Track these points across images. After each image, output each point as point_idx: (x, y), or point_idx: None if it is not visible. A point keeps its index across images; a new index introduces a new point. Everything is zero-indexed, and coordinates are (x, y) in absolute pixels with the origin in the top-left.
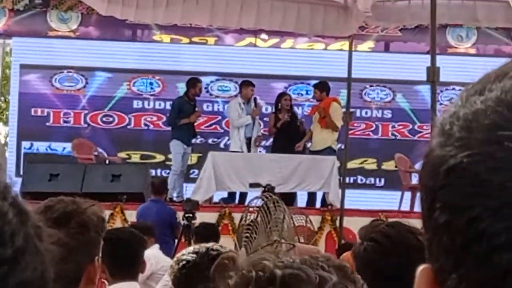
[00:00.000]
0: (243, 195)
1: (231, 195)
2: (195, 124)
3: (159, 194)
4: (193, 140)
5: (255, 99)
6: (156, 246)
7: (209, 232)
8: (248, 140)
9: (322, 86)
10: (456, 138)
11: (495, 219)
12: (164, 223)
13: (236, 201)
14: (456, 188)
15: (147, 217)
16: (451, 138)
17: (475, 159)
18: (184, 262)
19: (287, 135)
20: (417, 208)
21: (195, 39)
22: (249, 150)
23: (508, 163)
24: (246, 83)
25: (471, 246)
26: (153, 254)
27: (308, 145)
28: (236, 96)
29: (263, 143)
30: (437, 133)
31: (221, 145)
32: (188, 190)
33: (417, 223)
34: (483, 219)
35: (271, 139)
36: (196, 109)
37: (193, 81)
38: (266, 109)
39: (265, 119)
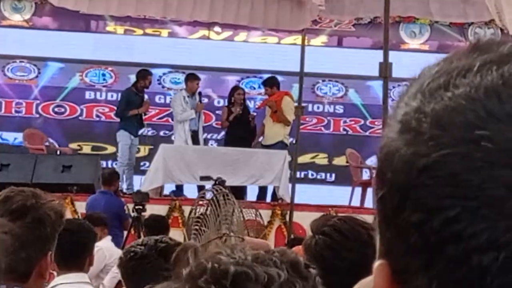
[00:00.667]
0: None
1: (180, 187)
2: (145, 114)
3: (108, 185)
4: (144, 132)
5: (200, 93)
6: (109, 237)
7: (159, 225)
8: (193, 133)
9: (271, 81)
10: (427, 136)
11: (474, 220)
12: (112, 215)
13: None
14: (431, 188)
15: (96, 208)
16: (421, 136)
17: (451, 158)
18: (132, 253)
19: (239, 128)
20: (368, 203)
21: (148, 30)
22: (194, 143)
23: (486, 163)
24: (192, 76)
25: (447, 246)
26: (106, 246)
27: (260, 139)
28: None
29: (213, 135)
30: (400, 130)
31: (172, 138)
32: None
33: (367, 219)
34: (460, 220)
35: (223, 132)
36: (145, 100)
37: (143, 72)
38: (219, 102)
39: (217, 112)
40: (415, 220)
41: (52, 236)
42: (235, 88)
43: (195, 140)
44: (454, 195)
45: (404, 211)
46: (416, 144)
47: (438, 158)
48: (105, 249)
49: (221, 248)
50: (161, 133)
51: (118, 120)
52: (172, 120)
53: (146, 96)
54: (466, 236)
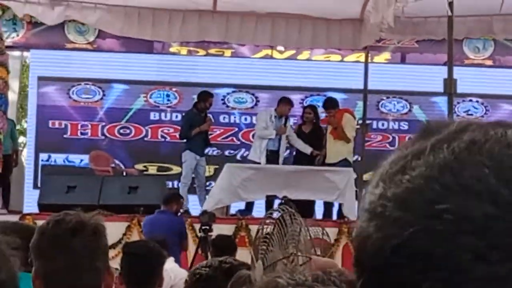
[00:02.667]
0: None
1: (248, 206)
2: (210, 134)
3: (167, 205)
4: (209, 151)
5: (287, 117)
6: (172, 259)
7: (226, 244)
8: (271, 153)
9: (329, 104)
10: (393, 218)
11: None
12: (172, 234)
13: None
14: (405, 265)
15: (155, 228)
16: (387, 220)
17: (418, 235)
18: (198, 275)
19: (312, 147)
20: None
21: (211, 51)
22: (270, 163)
23: (450, 234)
24: (285, 100)
25: None
26: (170, 268)
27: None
28: (253, 107)
29: (286, 152)
30: (368, 218)
31: (238, 157)
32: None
33: None
34: None
35: (293, 152)
36: (208, 118)
37: (204, 94)
38: (287, 121)
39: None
40: None
41: (107, 247)
42: (306, 107)
43: (273, 160)
44: (426, 269)
45: None
46: (385, 228)
47: (406, 237)
48: (170, 271)
49: (281, 272)
50: (226, 153)
51: (183, 140)
52: (237, 139)
53: (209, 116)
54: None
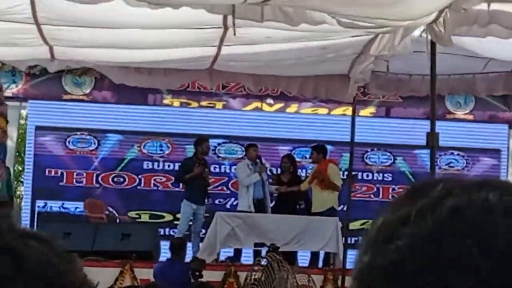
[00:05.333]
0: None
1: (237, 253)
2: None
3: (176, 254)
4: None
5: (259, 157)
6: None
7: None
8: (258, 201)
9: (320, 149)
10: None
11: None
12: (181, 282)
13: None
14: None
15: (167, 275)
16: None
17: None
18: None
19: (289, 196)
20: None
21: (203, 103)
22: (259, 211)
23: None
24: (249, 145)
25: None
26: None
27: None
28: (243, 158)
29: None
30: (358, 286)
31: (228, 206)
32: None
33: None
34: None
35: (274, 201)
36: (202, 165)
37: (198, 139)
38: (271, 171)
39: (268, 180)
40: None
41: None
42: (283, 157)
43: (260, 208)
44: None
45: None
46: None
47: None
48: None
49: None
50: (216, 201)
51: (175, 189)
52: (227, 189)
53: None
54: None
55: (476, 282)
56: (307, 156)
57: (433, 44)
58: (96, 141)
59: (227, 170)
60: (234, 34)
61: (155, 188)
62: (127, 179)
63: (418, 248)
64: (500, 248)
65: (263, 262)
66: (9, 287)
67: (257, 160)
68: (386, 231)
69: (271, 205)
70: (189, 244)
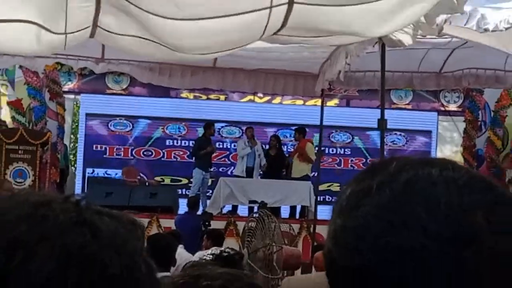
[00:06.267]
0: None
1: (234, 208)
2: (212, 156)
3: (193, 208)
4: (211, 169)
5: (253, 136)
6: (181, 246)
7: (217, 235)
8: (249, 169)
9: (300, 130)
10: (351, 247)
11: None
12: (196, 229)
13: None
14: (356, 285)
15: (186, 225)
16: (347, 247)
17: (369, 262)
18: (204, 260)
19: (275, 165)
20: None
21: (211, 96)
22: (248, 177)
23: (391, 262)
24: (247, 128)
25: None
26: (178, 253)
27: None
28: (240, 137)
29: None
30: (333, 243)
31: (228, 173)
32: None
33: None
34: None
35: (263, 169)
36: (212, 145)
37: (208, 124)
38: (262, 147)
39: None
40: None
41: None
42: (271, 137)
43: (250, 174)
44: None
45: None
46: (345, 254)
47: (358, 263)
48: (178, 254)
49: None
50: (220, 169)
51: (190, 160)
52: (228, 160)
53: (215, 145)
54: None
55: (425, 238)
56: (288, 136)
57: (383, 48)
58: (130, 124)
59: (228, 146)
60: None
61: (175, 159)
62: (153, 153)
63: (379, 214)
64: (442, 212)
65: (256, 215)
66: (87, 250)
67: (252, 139)
68: (353, 199)
69: (262, 171)
70: None
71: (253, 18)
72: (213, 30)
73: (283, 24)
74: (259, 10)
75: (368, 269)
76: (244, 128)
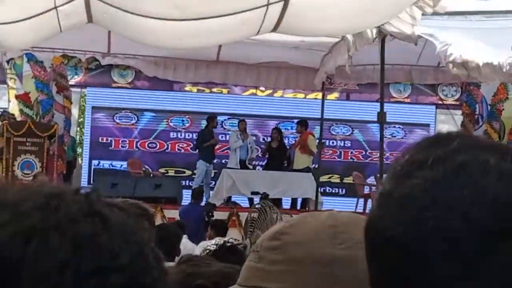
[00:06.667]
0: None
1: (237, 199)
2: (215, 148)
3: (196, 199)
4: (214, 161)
5: (245, 129)
6: (185, 236)
7: (220, 225)
8: (242, 161)
9: (302, 123)
10: (393, 213)
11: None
12: (200, 220)
13: (242, 204)
14: (391, 251)
15: (190, 215)
16: (389, 213)
17: (406, 233)
18: (207, 250)
19: (276, 157)
20: (368, 210)
21: (214, 90)
22: (241, 169)
23: (432, 236)
24: (240, 120)
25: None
26: (183, 242)
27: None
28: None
29: (259, 162)
30: (377, 204)
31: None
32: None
33: None
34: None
35: (266, 160)
36: (214, 137)
37: (211, 117)
38: (263, 139)
39: (261, 146)
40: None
41: None
42: (273, 129)
43: (243, 166)
44: (404, 258)
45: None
46: (386, 219)
47: (397, 231)
48: (182, 244)
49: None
50: (223, 161)
51: (193, 152)
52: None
53: (218, 137)
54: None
55: (463, 223)
56: (289, 128)
57: (383, 42)
58: (135, 117)
59: None
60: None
61: (179, 151)
62: (158, 145)
63: (427, 190)
64: (487, 201)
65: (258, 206)
66: (98, 239)
67: (244, 132)
68: (407, 168)
69: (262, 163)
70: None
71: (250, 16)
72: (212, 30)
73: (278, 22)
74: (255, 8)
75: (401, 240)
76: (247, 121)
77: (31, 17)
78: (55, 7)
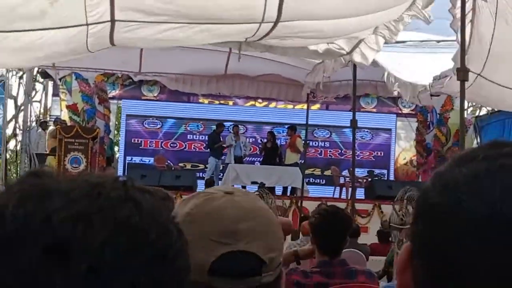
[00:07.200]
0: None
1: (242, 187)
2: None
3: (208, 188)
4: (222, 157)
5: (237, 132)
6: None
7: None
8: (237, 158)
9: (292, 128)
10: (438, 188)
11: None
12: None
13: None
14: (432, 218)
15: None
16: (437, 187)
17: (444, 204)
18: None
19: (270, 155)
20: (343, 196)
21: (221, 101)
22: (235, 163)
23: (462, 214)
24: (233, 126)
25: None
26: None
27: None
28: (243, 133)
29: (257, 159)
30: (430, 181)
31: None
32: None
33: (343, 206)
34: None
35: (262, 157)
36: (221, 140)
37: (219, 124)
38: (260, 141)
39: (259, 146)
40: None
41: None
42: (268, 133)
43: (237, 161)
44: (437, 222)
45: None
46: (432, 191)
47: (436, 201)
48: None
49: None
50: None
51: (206, 151)
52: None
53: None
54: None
55: (488, 210)
56: (281, 132)
57: (354, 64)
58: (160, 123)
59: None
60: (239, 60)
61: (194, 150)
62: (178, 145)
63: (467, 178)
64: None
65: (256, 192)
66: (132, 221)
67: (236, 135)
68: (461, 159)
69: (260, 159)
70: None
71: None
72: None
73: (274, 25)
74: (251, 22)
75: (439, 208)
76: (248, 126)
77: (64, 27)
78: (87, 24)
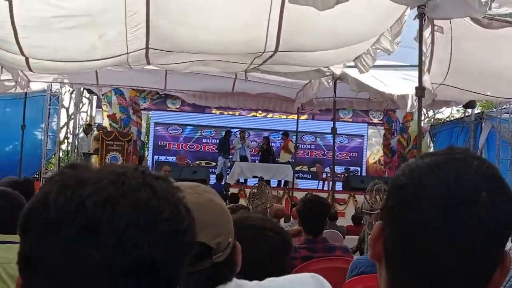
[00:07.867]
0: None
1: (244, 181)
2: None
3: (219, 180)
4: (230, 157)
5: (243, 136)
6: None
7: (234, 197)
8: (242, 157)
9: (285, 134)
10: (404, 172)
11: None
12: (220, 193)
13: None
14: (396, 197)
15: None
16: (403, 172)
17: (407, 187)
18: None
19: (265, 155)
20: (325, 188)
21: (229, 112)
22: (241, 161)
23: (421, 189)
24: (240, 131)
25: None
26: None
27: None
28: (247, 138)
29: (256, 158)
30: (400, 169)
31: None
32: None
33: (325, 195)
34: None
35: (259, 157)
36: (229, 144)
37: (227, 131)
38: (259, 143)
39: (258, 148)
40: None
41: None
42: (263, 138)
43: (242, 160)
44: (403, 200)
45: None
46: (400, 175)
47: (403, 183)
48: None
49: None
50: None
51: (216, 151)
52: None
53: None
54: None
55: (444, 189)
56: (277, 137)
57: (335, 84)
58: (181, 129)
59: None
60: (246, 81)
61: (208, 151)
62: (195, 147)
63: (427, 166)
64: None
65: (257, 184)
66: (150, 203)
67: (242, 138)
68: (426, 154)
69: (258, 159)
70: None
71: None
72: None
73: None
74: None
75: (404, 188)
76: (250, 132)
77: (111, 57)
78: (127, 53)
